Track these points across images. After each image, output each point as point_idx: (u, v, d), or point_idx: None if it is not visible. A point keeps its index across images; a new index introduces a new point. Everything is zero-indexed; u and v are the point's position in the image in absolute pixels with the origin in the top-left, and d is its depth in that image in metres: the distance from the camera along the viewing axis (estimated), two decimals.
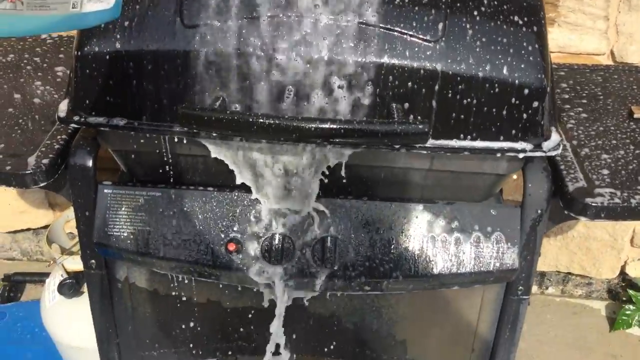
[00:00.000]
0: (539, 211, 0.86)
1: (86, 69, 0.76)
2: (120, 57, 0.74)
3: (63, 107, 0.80)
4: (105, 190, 0.88)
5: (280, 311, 0.95)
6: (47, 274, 1.71)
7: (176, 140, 0.80)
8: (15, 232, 1.75)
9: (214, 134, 0.75)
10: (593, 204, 0.80)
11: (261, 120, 0.68)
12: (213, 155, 0.80)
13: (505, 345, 0.97)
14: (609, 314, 1.73)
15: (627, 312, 1.64)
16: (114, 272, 0.95)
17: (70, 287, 1.08)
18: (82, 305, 1.13)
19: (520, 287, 0.92)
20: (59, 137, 0.88)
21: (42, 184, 0.84)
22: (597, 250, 1.61)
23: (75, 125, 0.79)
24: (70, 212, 1.17)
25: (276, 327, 0.98)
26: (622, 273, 1.68)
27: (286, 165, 0.81)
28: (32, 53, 1.08)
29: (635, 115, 0.96)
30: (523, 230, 0.87)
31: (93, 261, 0.93)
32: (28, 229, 1.74)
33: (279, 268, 0.86)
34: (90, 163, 0.86)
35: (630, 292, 1.65)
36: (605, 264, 1.64)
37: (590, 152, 0.89)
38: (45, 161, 0.83)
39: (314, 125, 0.68)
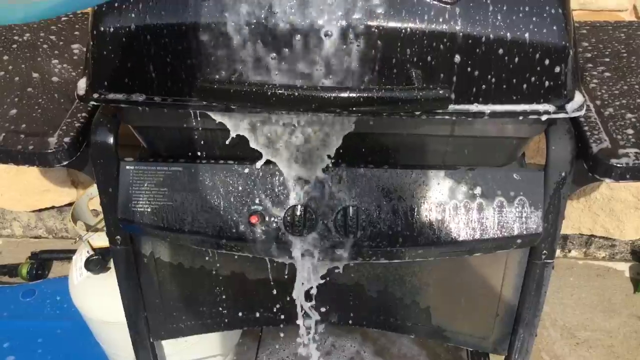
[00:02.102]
0: (563, 174, 0.85)
1: (103, 46, 0.75)
2: (137, 32, 0.73)
3: (82, 84, 0.80)
4: (127, 167, 0.88)
5: (303, 282, 0.96)
6: (73, 251, 1.74)
7: (196, 114, 0.80)
8: (40, 210, 1.78)
9: (232, 107, 0.75)
10: (618, 165, 0.79)
11: (280, 92, 0.67)
12: (233, 132, 0.80)
13: (530, 310, 0.97)
14: (633, 275, 1.72)
15: None
16: (139, 247, 0.96)
17: (96, 263, 1.09)
18: (109, 281, 1.14)
19: (545, 251, 0.91)
20: (79, 115, 0.89)
21: (65, 163, 0.84)
22: (621, 211, 1.59)
23: (95, 103, 0.79)
24: (93, 190, 1.18)
25: (300, 298, 1.00)
26: None
27: (303, 134, 0.81)
28: (48, 31, 1.08)
29: None
30: (547, 194, 0.86)
31: (118, 237, 0.94)
32: (52, 207, 1.77)
33: (302, 239, 0.86)
34: (111, 140, 0.87)
35: None
36: (629, 225, 1.62)
37: (614, 112, 0.87)
38: (67, 140, 0.84)
39: (333, 95, 0.67)
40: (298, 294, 0.99)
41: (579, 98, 0.77)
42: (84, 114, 0.89)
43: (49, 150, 0.83)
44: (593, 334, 1.56)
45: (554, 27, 0.72)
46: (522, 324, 0.99)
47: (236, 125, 0.80)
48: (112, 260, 1.13)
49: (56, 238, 1.87)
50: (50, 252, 1.76)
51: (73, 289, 1.19)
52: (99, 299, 1.16)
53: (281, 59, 0.72)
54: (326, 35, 0.70)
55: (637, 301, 1.65)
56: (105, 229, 0.94)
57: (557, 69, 0.74)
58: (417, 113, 0.73)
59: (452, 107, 0.74)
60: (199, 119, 0.81)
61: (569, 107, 0.76)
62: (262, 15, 0.70)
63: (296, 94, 0.67)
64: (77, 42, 1.05)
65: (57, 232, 1.85)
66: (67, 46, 1.04)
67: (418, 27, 0.71)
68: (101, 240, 1.11)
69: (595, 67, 0.97)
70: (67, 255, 1.76)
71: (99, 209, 1.20)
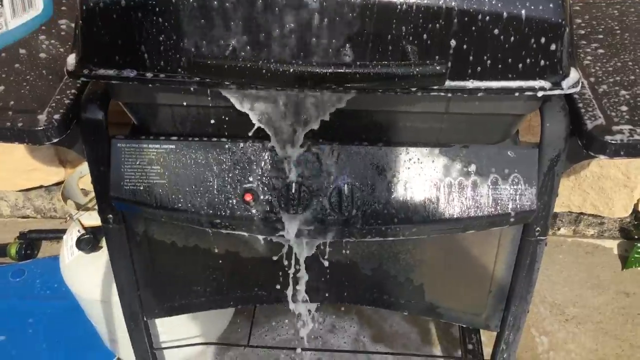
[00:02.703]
0: (557, 151, 0.85)
1: (92, 21, 0.74)
2: (127, 6, 0.72)
3: (71, 60, 0.78)
4: (119, 145, 0.87)
5: (297, 259, 0.96)
6: (62, 231, 1.74)
7: (189, 90, 0.79)
8: (27, 190, 1.76)
9: (226, 83, 0.74)
10: (612, 142, 0.78)
11: (274, 67, 0.66)
12: (238, 107, 0.79)
13: (523, 286, 0.98)
14: (621, 253, 1.74)
15: (639, 250, 1.65)
16: (132, 225, 0.95)
17: (88, 242, 1.09)
18: (101, 260, 1.14)
19: (538, 228, 0.92)
20: (68, 92, 0.87)
21: (55, 140, 0.83)
22: (611, 189, 1.60)
23: (85, 79, 0.78)
24: (82, 168, 1.17)
25: (294, 275, 1.00)
26: (635, 211, 1.68)
27: (294, 110, 0.80)
28: None
29: None
30: (541, 171, 0.86)
31: (110, 215, 0.93)
32: (40, 187, 1.75)
33: (296, 217, 0.85)
34: (101, 117, 0.85)
35: None
36: (618, 202, 1.63)
37: (608, 89, 0.87)
38: (56, 117, 0.82)
39: (329, 71, 0.66)
40: (292, 271, 0.99)
41: (574, 75, 0.77)
42: (73, 91, 0.87)
43: (39, 128, 0.81)
44: (582, 311, 1.58)
45: (550, 4, 0.71)
46: (515, 300, 1.00)
47: (240, 100, 0.79)
48: (103, 239, 1.12)
49: (45, 218, 1.86)
50: (39, 232, 1.75)
51: (64, 268, 1.18)
52: (90, 278, 1.15)
53: (275, 35, 0.71)
54: (320, 10, 0.69)
55: (624, 278, 1.67)
56: (96, 207, 0.93)
57: (553, 46, 0.73)
58: (413, 89, 0.72)
59: (448, 83, 0.74)
60: (192, 95, 0.80)
61: (565, 83, 0.76)
62: None
63: (291, 70, 0.66)
64: (64, 18, 1.03)
65: (45, 211, 1.84)
66: (54, 22, 1.02)
67: (413, 2, 0.70)
68: (92, 219, 1.10)
69: (588, 44, 0.97)
70: (56, 234, 1.74)
71: (89, 187, 1.19)
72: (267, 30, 0.71)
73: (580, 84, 0.78)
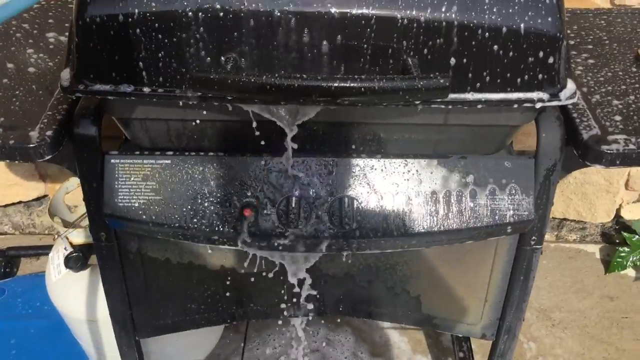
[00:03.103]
0: (553, 160, 0.86)
1: (88, 35, 0.72)
2: (124, 20, 0.70)
3: (65, 75, 0.77)
4: (112, 161, 0.85)
5: (296, 274, 0.95)
6: (42, 247, 1.70)
7: (188, 104, 0.78)
8: (5, 205, 1.72)
9: (229, 98, 0.73)
10: (609, 152, 0.80)
11: (279, 82, 0.66)
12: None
13: (519, 295, 0.99)
14: (603, 257, 1.77)
15: (622, 254, 1.67)
16: (124, 243, 0.94)
17: (77, 260, 1.06)
18: (90, 278, 1.11)
19: (534, 238, 0.92)
20: (59, 107, 0.85)
21: (47, 157, 0.81)
22: (593, 195, 1.63)
23: (80, 95, 0.76)
24: (69, 184, 1.15)
25: (291, 290, 0.99)
26: (617, 216, 1.71)
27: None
28: (20, 19, 1.03)
29: None
30: (537, 181, 0.87)
31: (103, 233, 0.91)
32: (19, 202, 1.71)
33: (296, 231, 0.85)
34: (94, 133, 0.84)
35: (625, 234, 1.68)
36: (600, 208, 1.66)
37: (601, 99, 0.89)
38: (49, 133, 0.80)
39: (334, 84, 0.65)
40: (289, 286, 0.98)
41: (571, 86, 0.78)
42: (64, 106, 0.85)
43: (31, 145, 0.79)
44: (567, 315, 1.60)
45: (549, 18, 0.72)
46: (511, 309, 1.00)
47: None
48: (92, 257, 1.10)
49: (23, 234, 1.81)
50: (18, 249, 1.70)
51: (51, 287, 1.15)
52: (78, 296, 1.12)
53: (281, 50, 0.71)
54: (321, 22, 0.69)
55: (608, 282, 1.69)
56: (84, 224, 0.91)
57: (551, 58, 0.74)
58: (417, 102, 0.72)
59: (449, 95, 0.74)
60: (190, 109, 0.79)
61: (562, 94, 0.77)
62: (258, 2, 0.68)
63: (297, 84, 0.65)
64: (52, 31, 1.01)
65: (24, 227, 1.79)
66: (42, 35, 1.00)
67: (414, 16, 0.70)
68: (80, 236, 1.08)
69: (579, 55, 0.99)
70: (36, 251, 1.70)
71: (75, 203, 1.17)
72: (265, 44, 0.70)
73: (577, 95, 0.79)
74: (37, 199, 1.70)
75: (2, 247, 1.70)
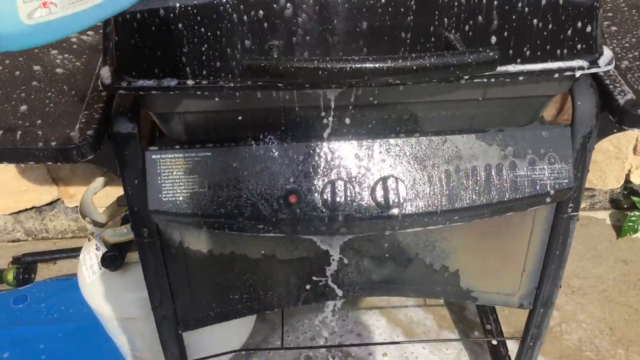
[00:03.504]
0: (590, 127, 0.87)
1: (128, 32, 0.72)
2: (164, 13, 0.70)
3: (106, 73, 0.76)
4: (153, 156, 0.85)
5: (337, 257, 0.96)
6: (58, 251, 1.69)
7: (230, 95, 0.78)
8: (18, 212, 1.70)
9: (280, 85, 0.73)
10: None
11: (330, 65, 0.66)
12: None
13: (556, 262, 1.00)
14: (614, 222, 1.80)
15: (633, 218, 1.70)
16: (167, 238, 0.93)
17: (113, 259, 1.05)
18: (125, 276, 1.11)
19: (571, 205, 0.94)
20: (95, 106, 0.84)
21: (89, 157, 0.80)
22: (603, 162, 1.65)
23: (123, 92, 0.75)
24: (95, 184, 1.14)
25: (333, 272, 0.99)
26: (626, 181, 1.74)
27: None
28: None
29: None
30: (574, 148, 0.88)
31: (145, 230, 0.91)
32: (31, 208, 1.69)
33: (342, 215, 0.85)
34: (134, 130, 0.83)
35: (634, 198, 1.71)
36: (610, 174, 1.69)
37: (630, 64, 0.90)
38: (90, 132, 0.80)
39: (386, 65, 0.66)
40: (330, 268, 0.98)
41: (608, 52, 0.79)
42: (100, 105, 0.84)
43: (73, 145, 0.79)
44: (585, 281, 1.63)
45: None
46: (549, 277, 1.02)
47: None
48: (127, 255, 1.10)
49: (36, 239, 1.80)
50: (33, 255, 1.69)
51: (86, 289, 1.14)
52: (116, 295, 1.12)
53: (319, 30, 0.71)
54: (364, 4, 0.69)
55: (621, 246, 1.72)
56: (131, 222, 0.91)
57: (589, 27, 0.75)
58: (466, 77, 0.73)
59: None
60: (231, 100, 0.79)
61: (601, 61, 0.78)
62: None
63: (349, 66, 0.66)
64: None
65: (36, 233, 1.78)
66: None
67: None
68: (115, 235, 1.07)
69: None
70: (51, 256, 1.69)
71: (101, 203, 1.16)
72: (307, 30, 0.70)
73: (614, 60, 0.80)
74: (50, 203, 1.68)
75: (18, 254, 1.69)
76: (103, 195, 1.21)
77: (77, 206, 1.68)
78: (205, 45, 0.72)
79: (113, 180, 1.15)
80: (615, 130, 0.89)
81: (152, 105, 0.81)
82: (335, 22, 0.71)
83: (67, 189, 1.62)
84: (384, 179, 0.85)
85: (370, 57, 0.67)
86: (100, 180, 1.13)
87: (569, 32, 0.75)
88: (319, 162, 0.85)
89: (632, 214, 1.71)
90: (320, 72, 0.66)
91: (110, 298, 1.12)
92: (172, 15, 0.70)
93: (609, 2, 1.05)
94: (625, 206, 1.82)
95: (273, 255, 0.98)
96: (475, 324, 1.52)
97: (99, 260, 1.08)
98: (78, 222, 1.73)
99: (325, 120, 0.83)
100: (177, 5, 0.70)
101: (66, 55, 0.95)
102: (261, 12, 0.69)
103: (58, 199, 1.68)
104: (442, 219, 0.88)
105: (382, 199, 0.85)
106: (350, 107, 0.81)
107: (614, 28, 0.98)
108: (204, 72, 0.74)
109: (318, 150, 0.85)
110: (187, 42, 0.72)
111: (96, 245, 1.12)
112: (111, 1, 0.57)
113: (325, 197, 0.85)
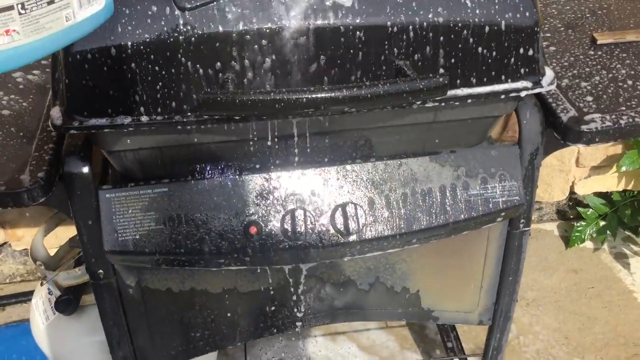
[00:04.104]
0: (536, 145, 0.90)
1: (78, 71, 0.71)
2: (115, 52, 0.69)
3: (56, 114, 0.74)
4: (107, 195, 0.83)
5: (299, 285, 0.96)
6: (6, 297, 1.62)
7: (185, 130, 0.77)
8: None
9: (236, 117, 0.73)
10: (588, 130, 0.85)
11: (287, 97, 0.66)
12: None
13: (512, 277, 1.03)
14: (562, 233, 1.86)
15: (579, 228, 1.76)
16: (123, 278, 0.91)
17: (68, 302, 1.02)
18: (81, 320, 1.08)
19: (522, 220, 0.97)
20: (45, 147, 0.82)
21: (40, 200, 0.78)
22: (548, 175, 1.71)
23: (75, 131, 0.74)
24: (46, 226, 1.10)
25: (294, 302, 0.99)
26: (571, 193, 1.80)
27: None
28: None
29: (599, 42, 1.02)
30: (523, 166, 0.91)
31: (101, 271, 0.89)
32: None
33: (303, 243, 0.85)
34: (86, 169, 0.81)
35: (579, 209, 1.78)
36: (556, 187, 1.74)
37: (570, 82, 0.94)
38: (40, 175, 0.78)
39: (342, 94, 0.67)
40: (295, 298, 0.98)
41: (549, 72, 0.83)
42: (50, 145, 0.83)
43: (24, 189, 0.77)
44: (539, 293, 1.67)
45: (527, 13, 0.76)
46: (506, 292, 1.04)
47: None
48: (82, 298, 1.06)
49: None
50: None
51: (39, 335, 1.10)
52: (72, 340, 1.08)
53: (270, 65, 0.72)
54: (313, 35, 0.71)
55: (570, 256, 1.78)
56: (84, 263, 0.88)
57: (531, 50, 0.79)
58: (418, 102, 0.75)
59: None
60: (186, 135, 0.78)
61: (544, 81, 0.81)
62: (244, 21, 0.69)
63: (305, 97, 0.66)
64: (18, 70, 0.97)
65: None
66: (8, 75, 0.96)
67: (400, 21, 0.73)
68: (68, 278, 1.04)
69: None
70: (0, 302, 1.62)
71: (51, 244, 1.12)
72: (260, 63, 0.71)
73: (555, 79, 0.83)
74: None
75: None
76: (52, 236, 1.17)
77: (25, 249, 1.62)
78: (159, 82, 0.71)
79: (64, 221, 1.12)
80: (560, 147, 0.93)
81: (104, 143, 0.80)
82: (289, 53, 0.71)
83: (15, 231, 1.57)
84: (342, 206, 0.86)
85: (325, 87, 0.68)
86: (51, 221, 1.09)
87: (513, 56, 0.78)
88: (277, 192, 0.85)
89: (578, 224, 1.77)
90: (276, 103, 0.67)
91: (66, 343, 1.08)
92: (123, 54, 0.70)
93: (546, 23, 1.10)
94: (572, 217, 1.89)
95: (234, 288, 0.97)
96: (436, 342, 1.54)
97: (53, 304, 1.04)
98: (27, 266, 1.67)
99: (281, 150, 0.83)
100: (129, 43, 0.69)
101: (12, 96, 0.92)
102: (216, 45, 0.70)
103: (5, 243, 1.61)
104: (401, 242, 0.89)
105: (342, 226, 0.85)
106: (306, 135, 0.82)
107: (552, 48, 1.03)
108: (158, 108, 0.73)
109: (275, 180, 0.85)
110: (140, 80, 0.71)
111: (49, 289, 1.08)
112: (73, 27, 0.57)
113: (285, 227, 0.85)
